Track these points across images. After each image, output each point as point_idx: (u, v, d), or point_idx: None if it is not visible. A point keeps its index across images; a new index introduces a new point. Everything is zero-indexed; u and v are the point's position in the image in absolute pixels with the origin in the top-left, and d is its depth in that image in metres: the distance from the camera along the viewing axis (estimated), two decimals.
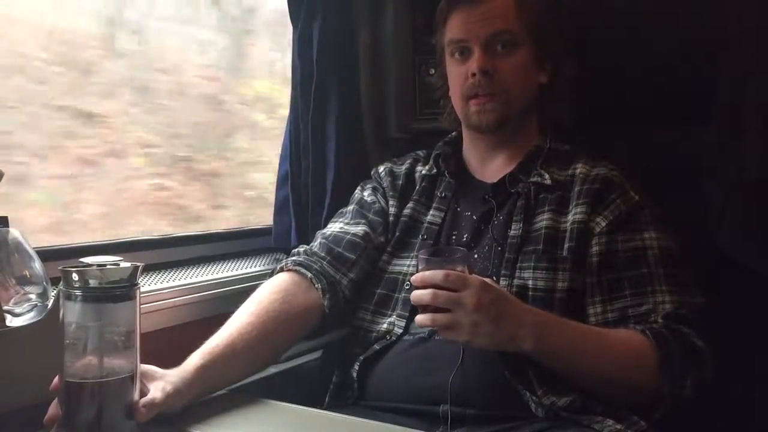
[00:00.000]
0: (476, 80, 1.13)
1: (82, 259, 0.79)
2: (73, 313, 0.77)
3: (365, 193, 1.27)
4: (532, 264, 1.06)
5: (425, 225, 1.19)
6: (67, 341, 0.77)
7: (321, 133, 1.47)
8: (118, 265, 0.78)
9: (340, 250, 1.18)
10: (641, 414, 0.99)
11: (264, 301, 1.07)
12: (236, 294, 1.22)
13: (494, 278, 1.04)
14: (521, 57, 1.15)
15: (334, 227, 1.23)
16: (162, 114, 1.53)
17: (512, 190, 1.15)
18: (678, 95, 1.28)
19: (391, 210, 1.23)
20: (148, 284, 1.21)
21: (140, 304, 0.80)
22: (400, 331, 1.10)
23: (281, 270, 1.15)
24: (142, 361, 0.82)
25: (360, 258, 1.18)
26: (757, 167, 1.19)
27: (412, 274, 1.01)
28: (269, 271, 1.20)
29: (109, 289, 0.77)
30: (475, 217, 1.16)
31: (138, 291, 0.79)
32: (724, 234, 1.20)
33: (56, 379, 0.79)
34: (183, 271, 1.32)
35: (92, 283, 0.77)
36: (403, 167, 1.28)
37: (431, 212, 1.20)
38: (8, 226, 0.88)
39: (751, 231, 1.19)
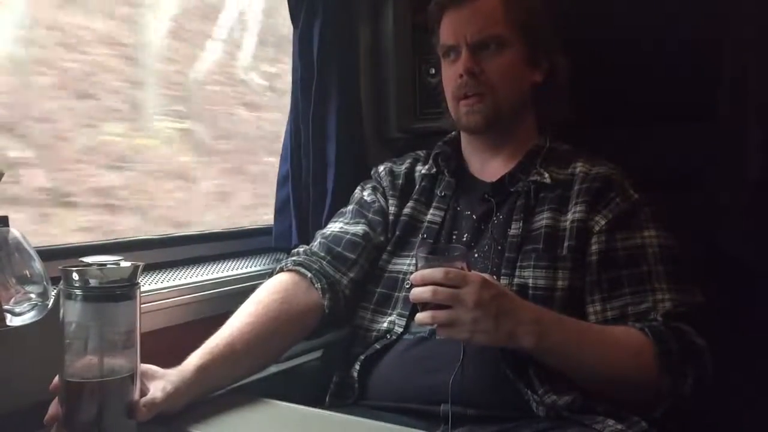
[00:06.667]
0: (463, 81, 1.14)
1: (82, 259, 0.78)
2: (73, 312, 0.77)
3: (365, 193, 1.27)
4: (532, 263, 1.06)
5: (425, 224, 1.19)
6: (68, 341, 0.77)
7: (321, 133, 1.47)
8: (119, 264, 0.78)
9: (339, 249, 1.18)
10: (641, 414, 0.99)
11: (264, 301, 1.07)
12: (236, 294, 1.22)
13: (494, 276, 1.04)
14: (509, 57, 1.15)
15: (334, 227, 1.23)
16: None
17: (512, 189, 1.15)
18: (678, 94, 1.28)
19: (391, 209, 1.23)
20: (148, 284, 1.20)
21: (140, 304, 0.80)
22: (401, 330, 1.10)
23: (281, 270, 1.14)
24: (142, 361, 0.82)
25: (360, 257, 1.18)
26: (757, 167, 1.19)
27: (412, 273, 1.01)
28: (269, 271, 1.19)
29: (110, 288, 0.77)
30: (474, 216, 1.16)
31: (138, 290, 0.79)
32: (724, 234, 1.20)
33: (56, 379, 0.79)
34: (183, 271, 1.32)
35: (92, 282, 0.77)
36: (403, 167, 1.28)
37: (431, 211, 1.20)
38: (8, 226, 0.88)
39: (751, 231, 1.19)
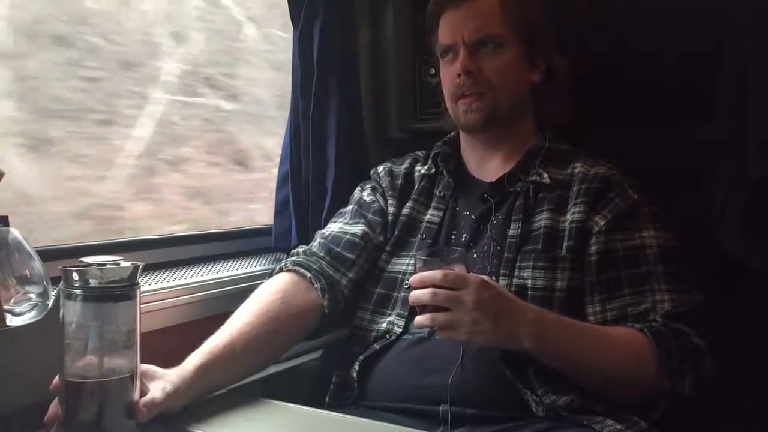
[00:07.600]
0: (461, 80, 1.14)
1: (82, 259, 0.79)
2: (73, 312, 0.77)
3: (364, 193, 1.27)
4: (531, 263, 1.06)
5: (424, 224, 1.19)
6: (68, 341, 0.77)
7: (321, 133, 1.47)
8: (119, 264, 0.78)
9: (339, 250, 1.18)
10: (641, 414, 0.99)
11: (263, 301, 1.07)
12: (236, 294, 1.22)
13: (493, 277, 1.04)
14: (507, 56, 1.15)
15: (334, 227, 1.23)
16: None
17: (511, 189, 1.15)
18: (678, 95, 1.28)
19: (390, 209, 1.23)
20: (148, 284, 1.20)
21: (140, 304, 0.80)
22: (400, 330, 1.10)
23: (280, 270, 1.15)
24: (142, 361, 0.82)
25: (359, 258, 1.18)
26: (757, 167, 1.19)
27: (411, 274, 1.01)
28: (269, 271, 1.19)
29: (110, 288, 0.77)
30: (473, 217, 1.16)
31: (138, 290, 0.79)
32: (724, 234, 1.20)
33: (56, 379, 0.79)
34: (183, 271, 1.32)
35: (92, 282, 0.77)
36: (403, 167, 1.28)
37: (430, 211, 1.20)
38: (8, 226, 0.88)
39: (751, 231, 1.19)
